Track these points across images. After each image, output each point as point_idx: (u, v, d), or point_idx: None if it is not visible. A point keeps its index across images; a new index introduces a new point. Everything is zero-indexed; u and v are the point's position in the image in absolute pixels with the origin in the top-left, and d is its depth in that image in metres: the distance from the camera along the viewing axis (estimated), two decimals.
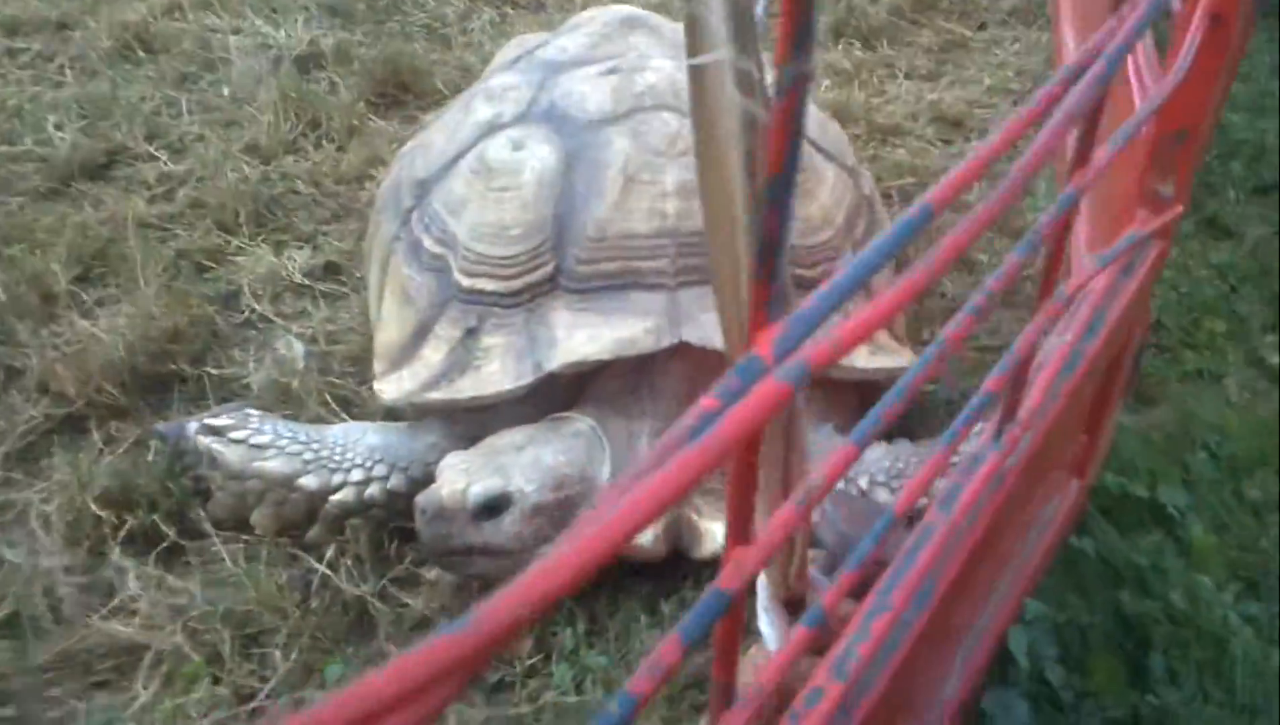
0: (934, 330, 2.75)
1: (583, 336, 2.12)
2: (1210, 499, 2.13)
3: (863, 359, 2.20)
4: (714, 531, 2.11)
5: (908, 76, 4.10)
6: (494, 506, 1.97)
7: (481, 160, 2.32)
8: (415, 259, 2.39)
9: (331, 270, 3.07)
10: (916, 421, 2.50)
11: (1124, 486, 2.08)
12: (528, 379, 2.11)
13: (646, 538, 2.08)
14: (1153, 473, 2.12)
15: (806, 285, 2.28)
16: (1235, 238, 3.04)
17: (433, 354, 2.27)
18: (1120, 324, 1.82)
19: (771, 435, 1.32)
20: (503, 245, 2.24)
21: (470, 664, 0.52)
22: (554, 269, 2.22)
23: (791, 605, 1.66)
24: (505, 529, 1.97)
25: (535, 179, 2.25)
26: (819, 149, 2.42)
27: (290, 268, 3.04)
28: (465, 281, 2.27)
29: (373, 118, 3.72)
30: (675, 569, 2.17)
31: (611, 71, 2.42)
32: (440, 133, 2.55)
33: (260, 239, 3.17)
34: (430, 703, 0.55)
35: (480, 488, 1.96)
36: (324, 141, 3.58)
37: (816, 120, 2.57)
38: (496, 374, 2.15)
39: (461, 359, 2.22)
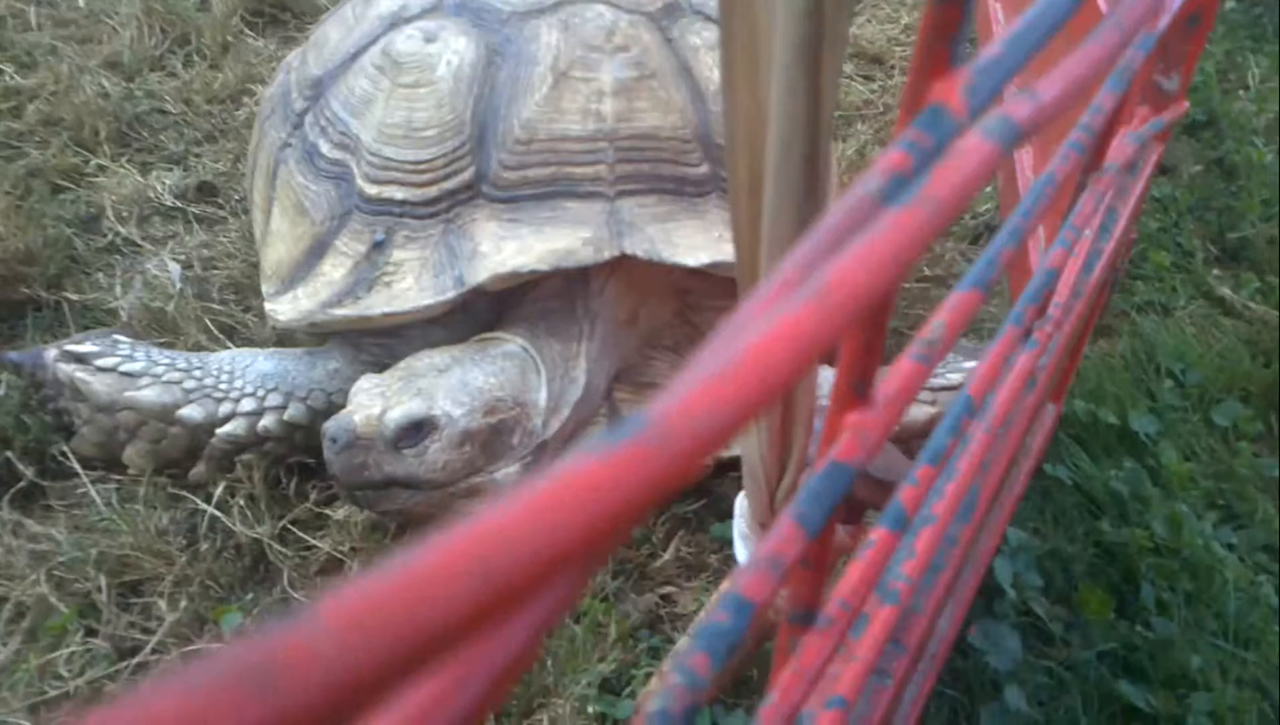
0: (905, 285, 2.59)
1: (511, 248, 1.89)
2: (1180, 427, 2.02)
3: None
4: None
5: None
6: (416, 432, 1.73)
7: (388, 54, 2.07)
8: (310, 166, 2.12)
9: (206, 191, 2.78)
10: None
11: (1094, 413, 1.95)
12: (449, 294, 1.87)
13: None
14: (1120, 400, 2.00)
15: None
16: (1172, 173, 2.97)
17: (333, 270, 2.02)
18: (1129, 225, 1.69)
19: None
20: (414, 148, 2.00)
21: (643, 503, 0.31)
22: (474, 175, 1.98)
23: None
24: (430, 457, 1.74)
25: (451, 74, 2.01)
26: None
27: (159, 189, 2.73)
28: (371, 189, 2.02)
29: (249, 34, 3.41)
30: None
31: None
32: (336, 27, 2.28)
33: (124, 159, 2.86)
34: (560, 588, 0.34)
35: (400, 411, 1.73)
36: (194, 58, 3.26)
37: None
38: (412, 290, 1.91)
39: (368, 275, 1.97)
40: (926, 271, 2.66)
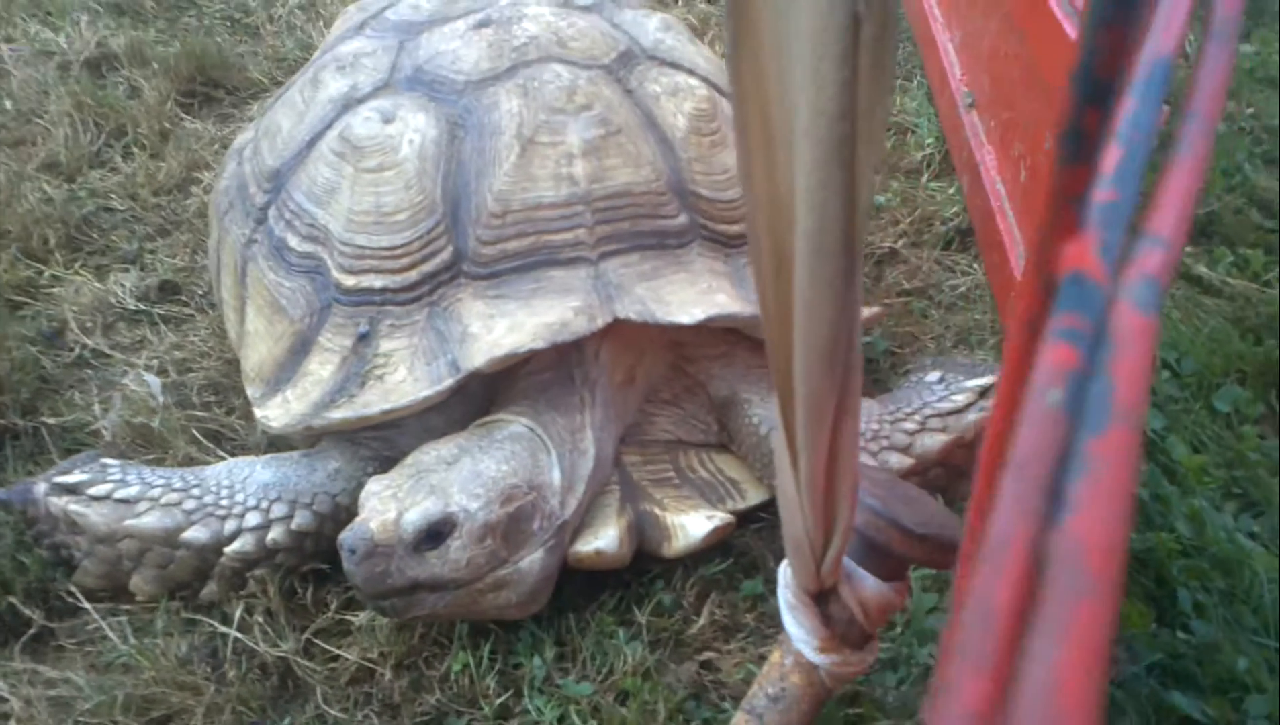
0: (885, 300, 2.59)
1: (503, 326, 1.85)
2: (1184, 418, 2.02)
3: None
4: (683, 526, 1.88)
5: None
6: (436, 532, 1.69)
7: (346, 140, 2.02)
8: (281, 262, 2.07)
9: (168, 290, 2.71)
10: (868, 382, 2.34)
11: None
12: (446, 383, 1.83)
13: (609, 541, 1.84)
14: None
15: (726, 241, 2.07)
16: None
17: (320, 368, 1.97)
18: None
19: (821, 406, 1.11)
20: (388, 233, 1.95)
21: None
22: (453, 254, 1.94)
23: (818, 599, 1.46)
24: (453, 556, 1.70)
25: (415, 153, 1.97)
26: (722, 91, 2.20)
27: (119, 293, 2.66)
28: (348, 280, 1.97)
29: (185, 118, 3.33)
30: (641, 572, 1.94)
31: (482, 25, 2.14)
32: (286, 115, 2.22)
33: (78, 265, 2.78)
34: None
35: (418, 513, 1.68)
36: (134, 150, 3.18)
37: (703, 55, 2.35)
38: (407, 382, 1.86)
39: (358, 370, 1.92)
40: (906, 284, 2.65)
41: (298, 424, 1.91)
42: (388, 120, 2.00)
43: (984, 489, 0.77)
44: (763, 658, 1.81)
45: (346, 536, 1.68)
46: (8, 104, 3.36)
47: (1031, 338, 0.58)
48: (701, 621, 1.86)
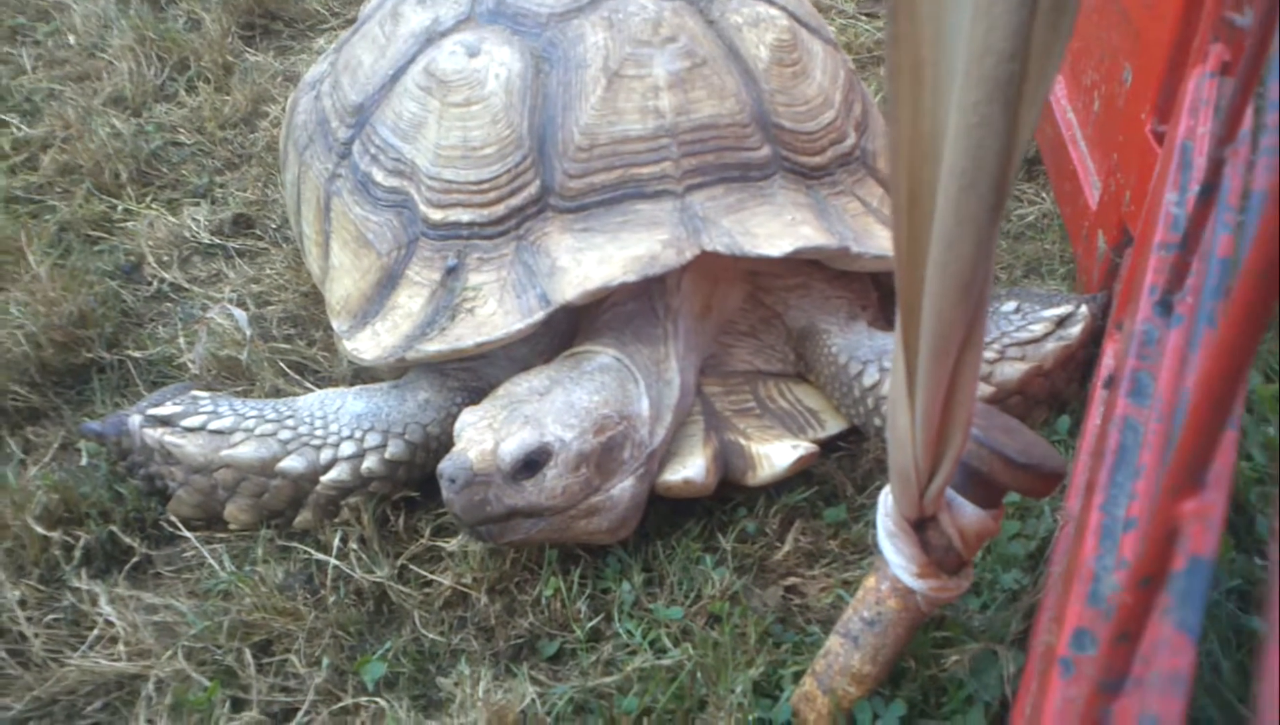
0: None
1: (592, 260, 1.87)
2: (1259, 349, 2.02)
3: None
4: (768, 455, 1.91)
5: None
6: (533, 462, 1.73)
7: (431, 74, 2.03)
8: (367, 196, 2.09)
9: (241, 224, 2.74)
10: None
11: None
12: (538, 315, 1.86)
13: (697, 470, 1.87)
14: None
15: (807, 173, 2.08)
16: None
17: (410, 301, 2.00)
18: None
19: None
20: (475, 168, 1.97)
21: None
22: (540, 188, 1.96)
23: (917, 526, 1.49)
24: (549, 485, 1.74)
25: (502, 87, 1.98)
26: (801, 21, 2.20)
27: (194, 227, 2.70)
28: (436, 214, 1.99)
29: (247, 50, 3.35)
30: (724, 500, 1.98)
31: None
32: (366, 49, 2.23)
33: (150, 200, 2.82)
34: None
35: (515, 443, 1.72)
36: (197, 84, 3.20)
37: None
38: (497, 315, 1.89)
39: (447, 303, 1.95)
40: None
41: (390, 356, 1.94)
42: (473, 54, 2.01)
43: None
44: (847, 583, 1.86)
45: (446, 465, 1.72)
46: (70, 39, 3.38)
47: None
48: (786, 548, 1.89)
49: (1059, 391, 2.02)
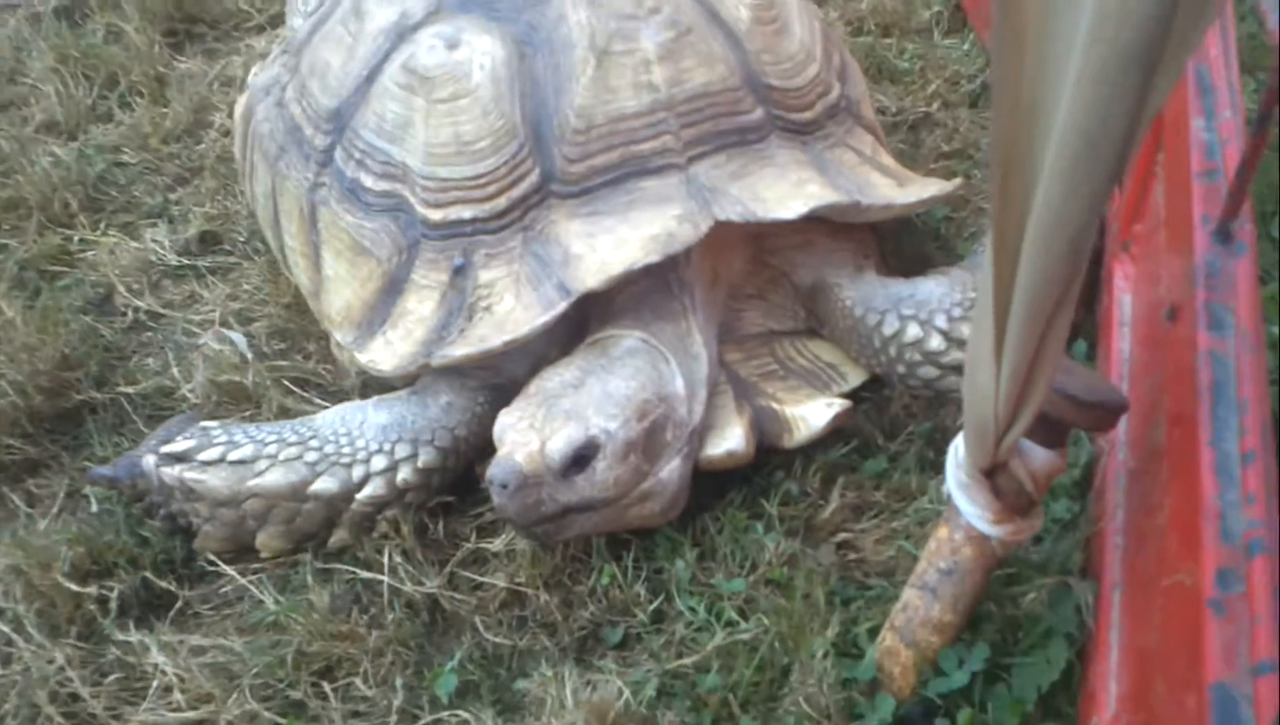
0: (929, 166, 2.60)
1: (607, 244, 1.85)
2: None
3: (899, 194, 2.02)
4: (804, 417, 1.92)
5: None
6: (581, 457, 1.71)
7: (411, 71, 1.98)
8: (357, 203, 2.04)
9: (208, 241, 2.66)
10: (932, 249, 2.37)
11: None
12: (560, 307, 1.83)
13: (738, 441, 1.87)
14: None
15: (800, 130, 2.07)
16: None
17: (420, 305, 1.96)
18: None
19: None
20: (471, 162, 1.93)
21: None
22: (541, 176, 1.93)
23: (988, 474, 1.50)
24: (600, 477, 1.72)
25: (489, 78, 1.93)
26: None
27: (158, 250, 2.62)
28: (435, 214, 1.95)
29: (178, 59, 3.23)
30: (760, 466, 1.98)
31: None
32: (332, 50, 2.16)
33: (105, 226, 2.72)
34: None
35: (561, 440, 1.70)
36: (131, 99, 3.08)
37: None
38: (517, 311, 1.86)
39: (459, 303, 1.92)
40: (945, 147, 2.67)
41: (410, 364, 1.91)
42: (452, 46, 1.96)
43: None
44: (896, 532, 1.88)
45: (495, 472, 1.70)
46: None
47: None
48: (832, 505, 1.91)
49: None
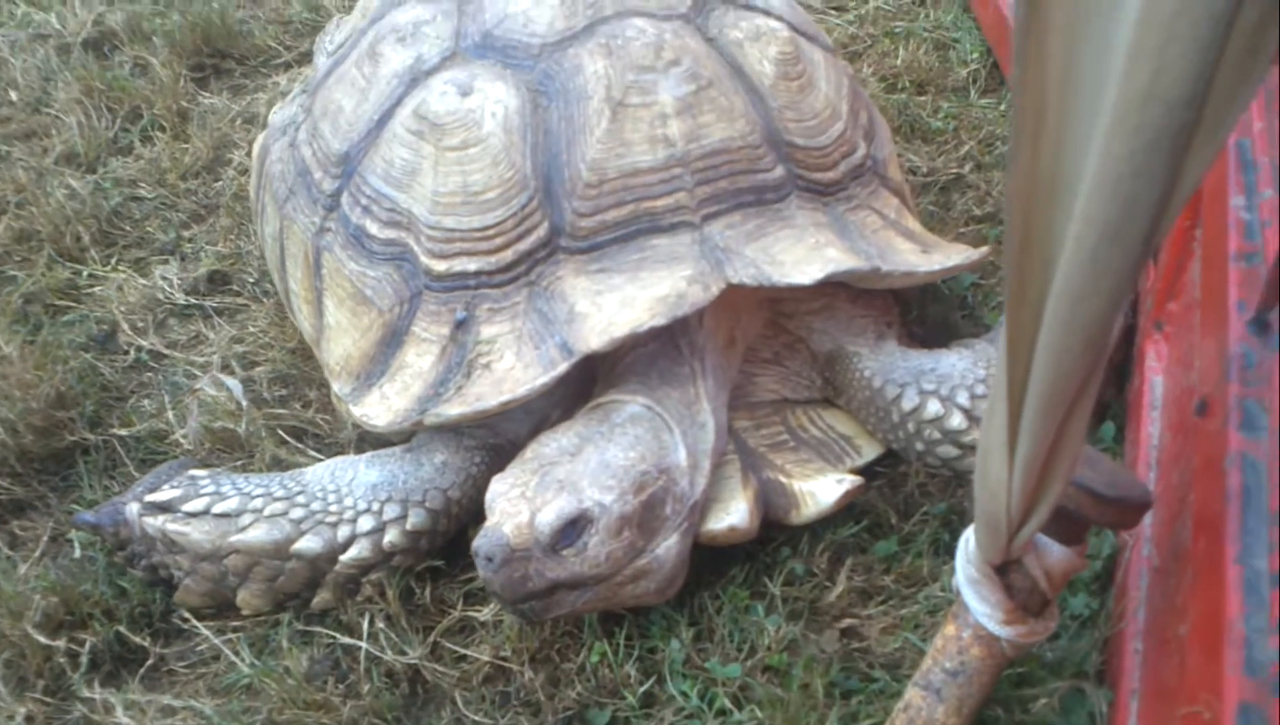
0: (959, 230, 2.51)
1: (613, 303, 1.77)
2: None
3: (922, 261, 1.93)
4: (813, 492, 1.82)
5: None
6: (572, 530, 1.62)
7: (422, 117, 1.91)
8: (361, 250, 1.97)
9: (217, 281, 2.61)
10: (958, 317, 2.27)
11: None
12: (561, 367, 1.75)
13: (741, 516, 1.77)
14: None
15: (822, 190, 1.98)
16: None
17: (418, 359, 1.88)
18: None
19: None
20: (478, 213, 1.86)
21: None
22: (549, 230, 1.85)
23: (999, 570, 1.40)
24: (591, 553, 1.63)
25: (500, 126, 1.87)
26: (800, 31, 2.10)
27: (166, 288, 2.56)
28: (439, 265, 1.88)
29: (203, 94, 3.20)
30: (766, 541, 1.88)
31: None
32: (345, 93, 2.10)
33: (116, 261, 2.68)
34: None
35: (552, 512, 1.61)
36: (153, 133, 3.05)
37: None
38: (516, 369, 1.78)
39: (459, 359, 1.84)
40: (977, 211, 2.58)
41: (404, 421, 1.83)
42: (465, 93, 1.90)
43: None
44: (904, 620, 1.77)
45: (481, 543, 1.61)
46: (12, 95, 3.21)
47: None
48: (838, 588, 1.80)
49: (1098, 396, 1.95)
